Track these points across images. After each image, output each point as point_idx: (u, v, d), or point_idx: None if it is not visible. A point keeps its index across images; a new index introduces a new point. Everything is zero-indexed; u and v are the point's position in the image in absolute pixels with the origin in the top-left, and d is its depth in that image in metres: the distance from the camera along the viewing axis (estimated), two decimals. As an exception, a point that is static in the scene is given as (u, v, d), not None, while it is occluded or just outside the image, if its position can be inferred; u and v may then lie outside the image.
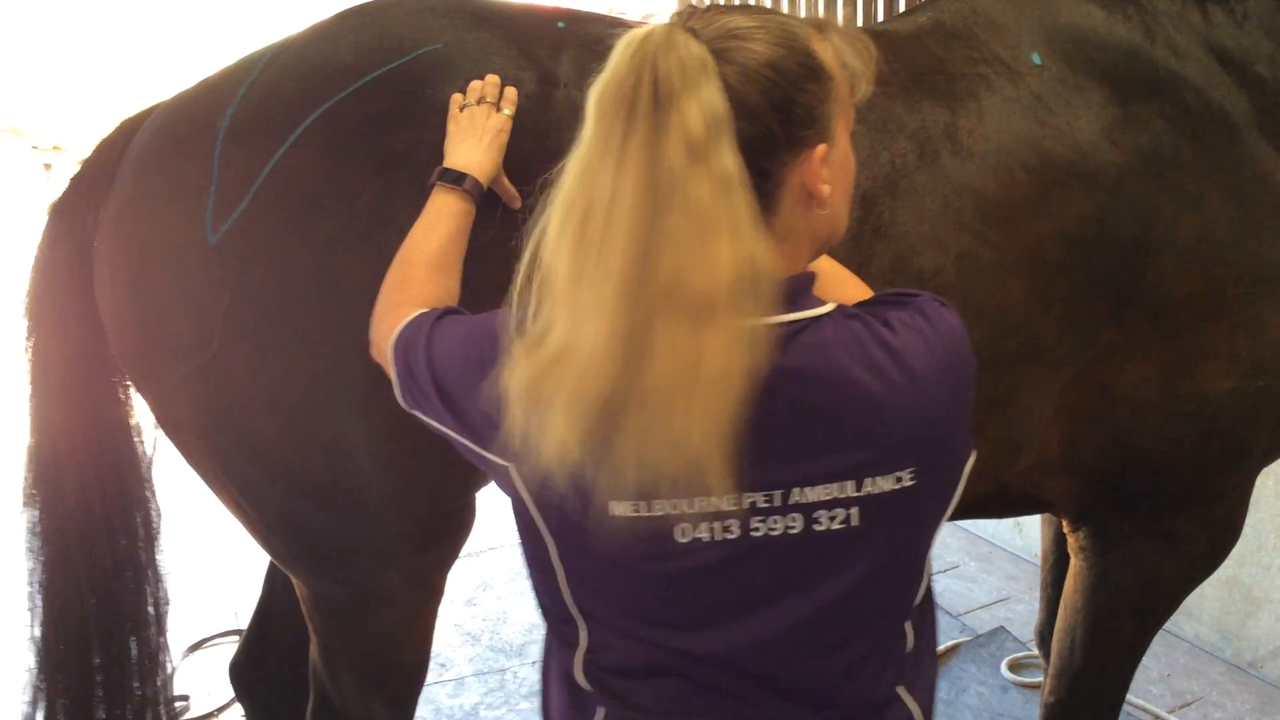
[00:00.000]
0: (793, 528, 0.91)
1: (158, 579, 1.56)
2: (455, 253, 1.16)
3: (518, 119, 1.27)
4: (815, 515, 0.91)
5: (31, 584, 1.50)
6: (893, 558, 0.96)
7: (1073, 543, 1.67)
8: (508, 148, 1.24)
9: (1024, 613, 3.13)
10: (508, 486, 0.97)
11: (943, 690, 2.72)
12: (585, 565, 0.96)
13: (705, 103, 0.80)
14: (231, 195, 1.23)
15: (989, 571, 3.44)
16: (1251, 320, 1.41)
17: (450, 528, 1.42)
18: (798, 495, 0.90)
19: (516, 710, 2.67)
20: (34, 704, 1.52)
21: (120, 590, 1.51)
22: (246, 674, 1.83)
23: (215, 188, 1.24)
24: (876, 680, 1.01)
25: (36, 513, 1.47)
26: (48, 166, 10.40)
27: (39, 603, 1.50)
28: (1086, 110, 1.40)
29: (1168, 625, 3.01)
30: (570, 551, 0.96)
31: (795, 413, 0.87)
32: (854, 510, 0.91)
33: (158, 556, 1.56)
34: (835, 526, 0.90)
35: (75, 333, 1.40)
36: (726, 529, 0.91)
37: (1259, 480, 2.71)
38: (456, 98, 1.25)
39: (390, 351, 1.04)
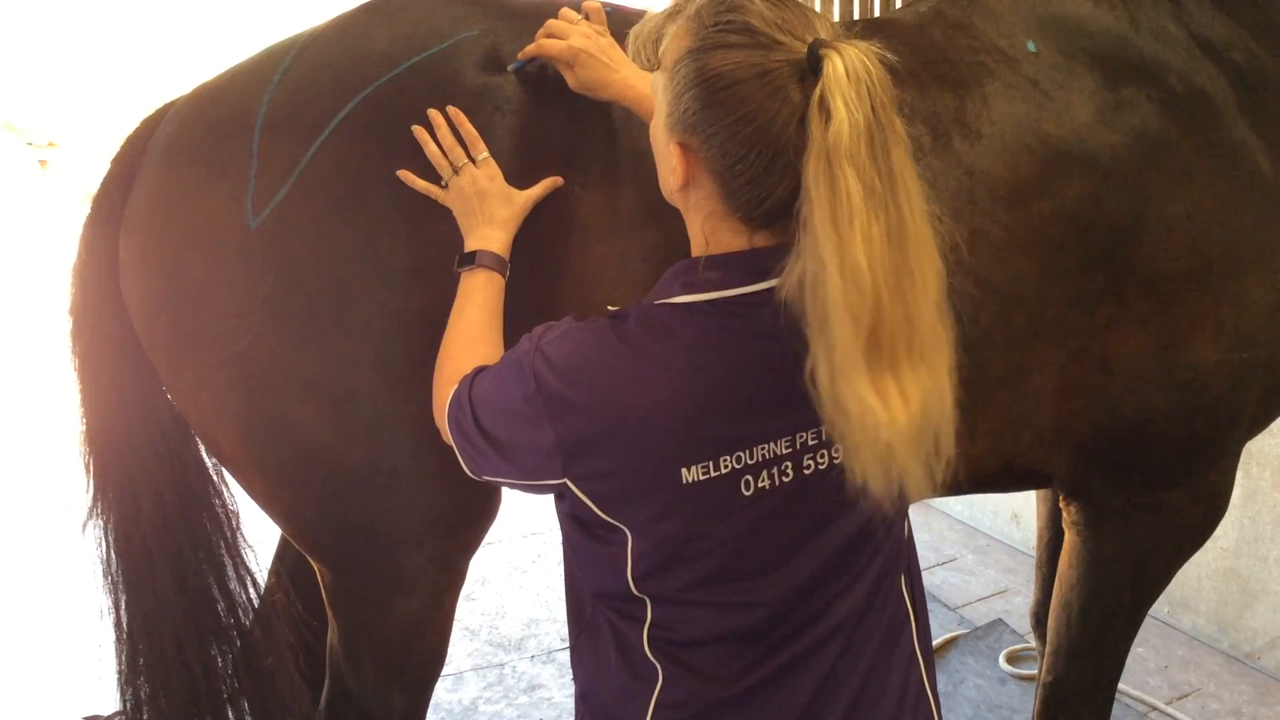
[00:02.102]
0: (836, 458, 0.98)
1: (248, 575, 1.57)
2: (488, 322, 1.19)
3: (557, 107, 1.30)
4: None
5: (113, 600, 1.49)
6: None
7: (1067, 517, 1.73)
8: (547, 140, 1.28)
9: (1021, 605, 3.16)
10: (571, 501, 1.01)
11: (941, 683, 2.74)
12: (656, 548, 1.00)
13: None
14: (273, 180, 1.25)
15: (987, 564, 3.46)
16: (1236, 294, 1.48)
17: (479, 509, 1.44)
18: None
19: (515, 704, 2.68)
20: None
21: (212, 595, 1.52)
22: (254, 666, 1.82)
23: (255, 172, 1.25)
24: (893, 581, 1.09)
25: (108, 527, 1.46)
26: (43, 163, 10.39)
27: (126, 620, 1.49)
28: (1080, 94, 1.47)
29: (1165, 616, 3.03)
30: (641, 539, 1.00)
31: None
32: None
33: (244, 553, 1.56)
34: None
35: (123, 335, 1.39)
36: (784, 472, 0.98)
37: (1257, 473, 2.75)
38: (422, 136, 1.26)
39: (448, 428, 1.10)
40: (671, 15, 0.99)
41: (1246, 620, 2.86)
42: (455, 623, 2.99)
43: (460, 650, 2.94)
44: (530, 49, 1.30)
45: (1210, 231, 1.46)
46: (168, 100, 1.47)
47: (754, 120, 0.89)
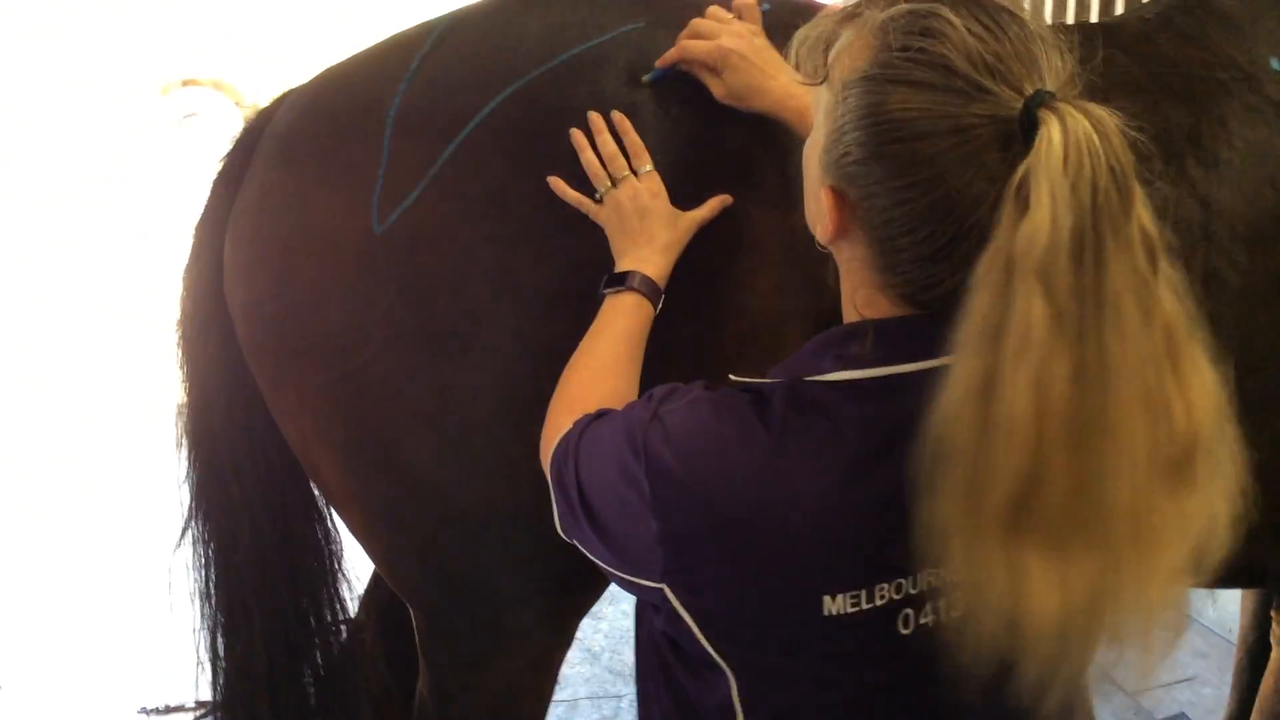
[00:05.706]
0: None
1: (343, 612, 1.52)
2: (627, 353, 1.07)
3: (733, 110, 1.18)
4: None
5: (210, 628, 1.46)
6: None
7: (1277, 629, 1.55)
8: (720, 151, 1.17)
9: (1210, 698, 2.85)
10: (667, 616, 0.86)
11: (1108, 782, 2.46)
12: (778, 698, 0.84)
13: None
14: (404, 180, 1.16)
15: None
16: None
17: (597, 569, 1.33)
18: None
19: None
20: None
21: (303, 631, 1.48)
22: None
23: (384, 171, 1.17)
24: None
25: (205, 555, 1.42)
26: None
27: (223, 650, 1.46)
28: None
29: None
30: (758, 684, 0.84)
31: None
32: None
33: (341, 590, 1.51)
34: None
35: (227, 349, 1.33)
36: (951, 604, 0.80)
37: None
38: (580, 141, 1.15)
39: (549, 470, 0.98)
40: (849, 17, 0.82)
41: None
42: (576, 643, 2.93)
43: (578, 675, 2.87)
44: (671, 54, 1.18)
45: None
46: (284, 91, 1.39)
47: (935, 189, 0.73)
